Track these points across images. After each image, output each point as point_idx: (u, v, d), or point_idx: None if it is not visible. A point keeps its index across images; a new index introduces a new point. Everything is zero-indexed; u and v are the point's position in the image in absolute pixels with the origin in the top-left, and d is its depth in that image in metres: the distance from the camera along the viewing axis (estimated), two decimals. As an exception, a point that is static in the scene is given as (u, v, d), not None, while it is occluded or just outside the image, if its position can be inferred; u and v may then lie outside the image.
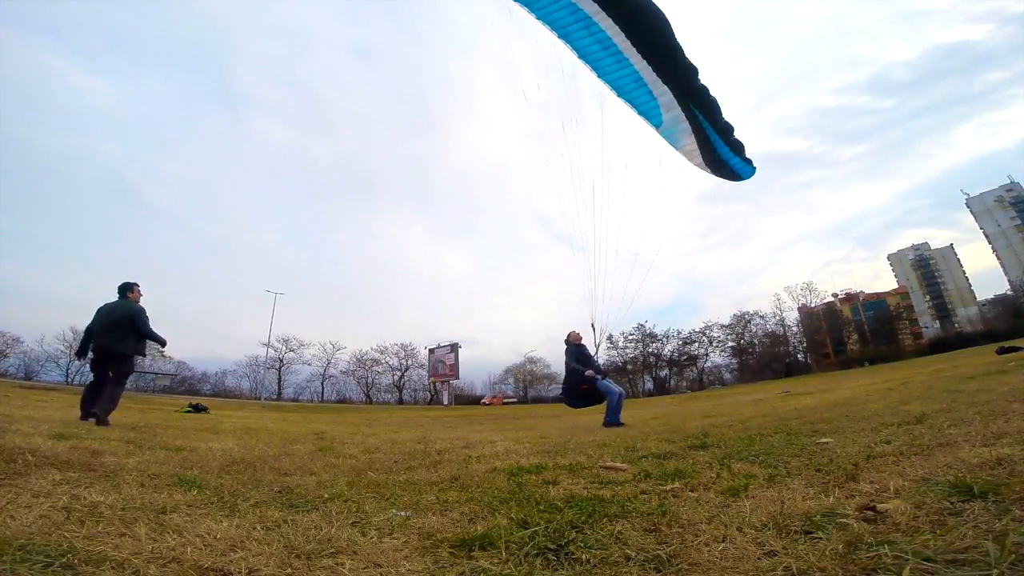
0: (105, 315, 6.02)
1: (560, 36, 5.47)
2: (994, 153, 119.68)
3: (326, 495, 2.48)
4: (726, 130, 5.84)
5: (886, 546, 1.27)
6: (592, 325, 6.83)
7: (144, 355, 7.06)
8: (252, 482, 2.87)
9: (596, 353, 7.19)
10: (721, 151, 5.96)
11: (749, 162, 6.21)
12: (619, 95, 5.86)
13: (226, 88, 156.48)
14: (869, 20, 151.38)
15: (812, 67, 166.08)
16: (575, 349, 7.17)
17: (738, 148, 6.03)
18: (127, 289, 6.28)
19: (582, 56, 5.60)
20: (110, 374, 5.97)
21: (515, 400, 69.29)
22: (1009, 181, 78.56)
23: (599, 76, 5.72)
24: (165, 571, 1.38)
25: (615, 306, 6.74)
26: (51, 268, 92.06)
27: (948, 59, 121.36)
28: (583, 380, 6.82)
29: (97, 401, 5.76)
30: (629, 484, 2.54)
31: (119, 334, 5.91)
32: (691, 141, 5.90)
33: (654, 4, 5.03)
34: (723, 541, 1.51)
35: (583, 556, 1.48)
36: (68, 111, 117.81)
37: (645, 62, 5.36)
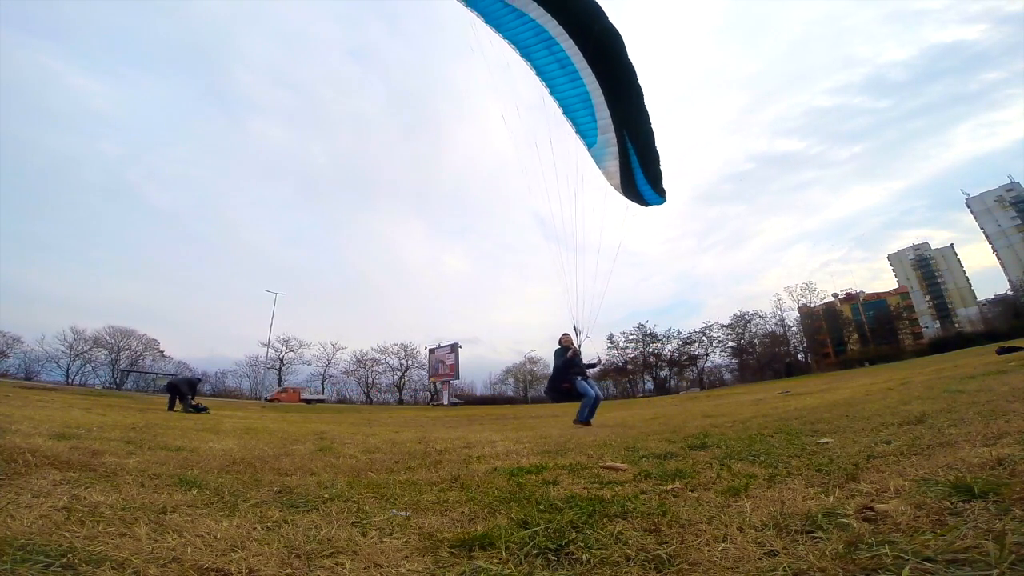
0: (182, 377, 14.14)
1: (522, 54, 5.97)
2: (991, 153, 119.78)
3: (326, 495, 2.48)
4: (650, 160, 6.27)
5: (886, 546, 1.27)
6: (575, 328, 7.48)
7: (195, 392, 14.26)
8: (252, 482, 2.87)
9: (579, 347, 7.67)
10: (638, 178, 6.42)
11: (661, 193, 6.68)
12: (564, 112, 6.40)
13: (224, 89, 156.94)
14: (864, 20, 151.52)
15: (808, 67, 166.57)
16: (561, 350, 7.74)
17: (655, 179, 6.45)
18: (193, 376, 14.90)
19: (539, 73, 6.11)
20: (177, 398, 13.35)
21: (322, 399, 56.06)
22: (1009, 181, 78.63)
23: (551, 93, 6.27)
24: (165, 571, 1.38)
25: (594, 308, 7.31)
26: (51, 268, 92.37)
27: (944, 59, 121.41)
28: (564, 379, 7.49)
29: (176, 405, 13.07)
30: (629, 484, 2.54)
31: (188, 386, 13.53)
32: (615, 164, 6.36)
33: (616, 29, 5.47)
34: (723, 541, 1.51)
35: (583, 556, 1.48)
36: (67, 112, 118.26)
37: (597, 84, 5.81)
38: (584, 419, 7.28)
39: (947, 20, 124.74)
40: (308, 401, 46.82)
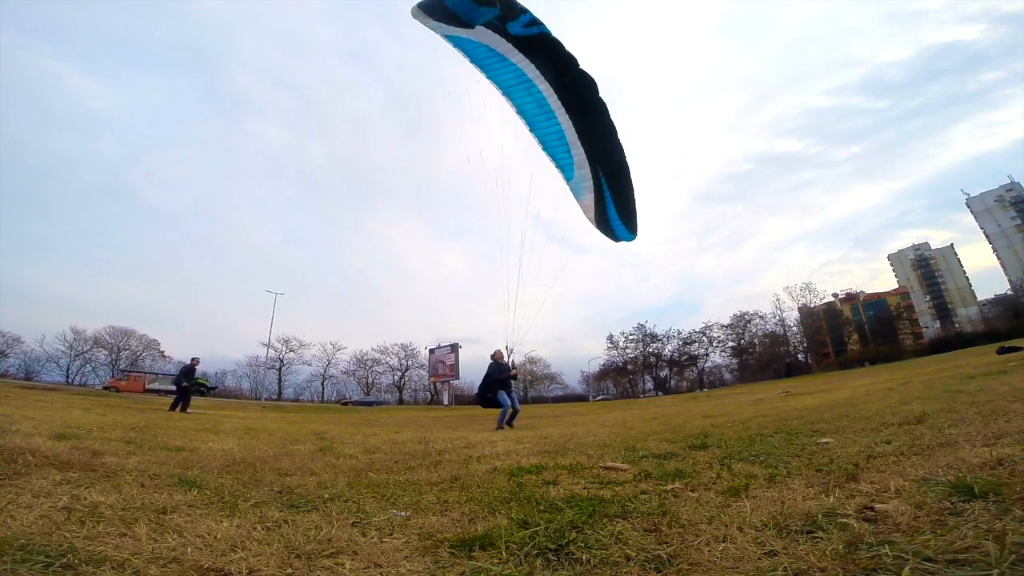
0: (181, 369, 13.94)
1: (503, 93, 6.61)
2: (991, 153, 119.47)
3: (326, 495, 2.48)
4: (623, 196, 6.67)
5: (886, 546, 1.27)
6: (507, 347, 8.79)
7: (194, 385, 14.76)
8: (252, 482, 2.87)
9: (511, 360, 9.15)
10: (610, 214, 6.87)
11: (633, 230, 7.08)
12: (543, 148, 6.90)
13: (223, 90, 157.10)
14: (861, 20, 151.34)
15: (806, 67, 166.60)
16: (495, 365, 9.10)
17: (626, 215, 6.84)
18: (195, 361, 13.97)
19: (520, 112, 6.68)
20: (181, 393, 13.14)
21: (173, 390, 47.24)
22: (1009, 181, 78.52)
23: (531, 130, 6.79)
24: (165, 571, 1.38)
25: (522, 331, 8.40)
26: (51, 268, 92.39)
27: (942, 59, 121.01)
28: (490, 390, 9.05)
29: (179, 404, 12.77)
30: (629, 484, 2.54)
31: (185, 377, 13.34)
32: (590, 198, 6.83)
33: (588, 74, 6.01)
34: (723, 541, 1.50)
35: (583, 556, 1.47)
36: (67, 113, 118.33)
37: (571, 123, 6.34)
38: (500, 425, 8.76)
39: (945, 20, 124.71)
40: (159, 392, 34.82)
